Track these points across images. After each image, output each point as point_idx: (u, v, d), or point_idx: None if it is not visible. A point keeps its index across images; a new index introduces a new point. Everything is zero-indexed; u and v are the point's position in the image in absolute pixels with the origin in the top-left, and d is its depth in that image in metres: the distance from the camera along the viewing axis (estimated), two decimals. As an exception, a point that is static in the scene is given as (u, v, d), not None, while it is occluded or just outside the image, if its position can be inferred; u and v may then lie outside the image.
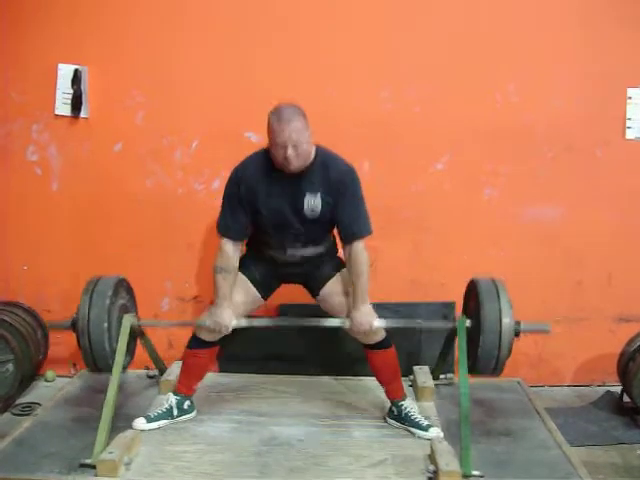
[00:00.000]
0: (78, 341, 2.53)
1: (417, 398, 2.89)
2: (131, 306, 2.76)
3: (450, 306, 3.30)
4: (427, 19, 3.23)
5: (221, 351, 2.76)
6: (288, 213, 2.48)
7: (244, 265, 2.61)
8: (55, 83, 3.27)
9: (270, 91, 3.23)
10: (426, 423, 2.60)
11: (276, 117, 2.34)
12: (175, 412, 2.67)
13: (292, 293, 2.85)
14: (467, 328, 2.56)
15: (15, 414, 3.01)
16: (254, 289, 2.65)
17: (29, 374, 3.23)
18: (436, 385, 2.96)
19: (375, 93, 3.26)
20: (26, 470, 2.28)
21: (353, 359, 3.05)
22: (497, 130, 3.26)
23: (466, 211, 3.32)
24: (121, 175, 3.33)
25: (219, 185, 3.32)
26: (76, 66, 3.25)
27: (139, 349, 2.89)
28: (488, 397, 2.97)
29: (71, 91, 3.25)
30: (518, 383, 3.13)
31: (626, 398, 3.05)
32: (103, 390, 2.53)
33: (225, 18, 3.23)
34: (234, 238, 2.52)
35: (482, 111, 3.26)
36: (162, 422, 2.63)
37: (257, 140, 3.27)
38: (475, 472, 2.24)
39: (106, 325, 2.49)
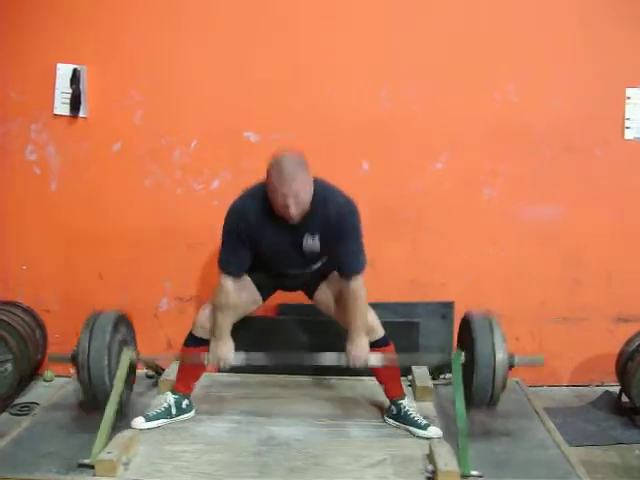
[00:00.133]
0: (77, 374, 2.53)
1: (416, 398, 2.89)
2: (130, 340, 2.77)
3: (449, 306, 3.30)
4: (426, 19, 3.24)
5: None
6: (288, 250, 2.49)
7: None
8: (54, 83, 3.27)
9: (269, 91, 3.24)
10: (425, 422, 2.60)
11: (277, 173, 2.27)
12: (173, 411, 2.67)
13: (291, 293, 2.85)
14: (462, 364, 2.57)
15: (13, 414, 3.01)
16: (256, 290, 2.67)
17: (28, 374, 3.23)
18: (435, 385, 2.96)
19: (374, 93, 3.26)
20: (24, 470, 2.27)
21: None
22: (496, 130, 3.26)
23: (465, 211, 3.32)
24: (120, 175, 3.33)
25: (218, 185, 3.32)
26: (75, 66, 3.25)
27: (140, 349, 2.88)
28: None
29: (70, 91, 3.26)
30: (517, 383, 3.13)
31: (624, 398, 3.05)
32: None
33: (224, 17, 3.23)
34: (234, 274, 2.52)
35: (481, 111, 3.26)
36: (161, 421, 2.63)
37: (256, 140, 3.28)
38: (474, 472, 2.24)
39: (106, 361, 2.49)
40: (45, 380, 3.40)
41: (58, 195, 3.36)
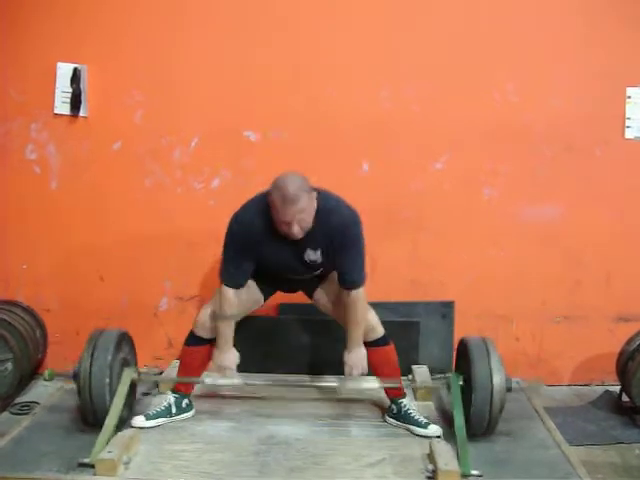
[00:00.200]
0: (79, 393, 2.54)
1: (416, 397, 2.89)
2: (131, 359, 2.78)
3: (449, 305, 3.30)
4: (426, 19, 3.23)
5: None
6: (290, 262, 2.50)
7: None
8: (54, 82, 3.26)
9: (270, 90, 3.24)
10: (425, 421, 2.60)
11: (280, 196, 2.27)
12: (173, 410, 2.67)
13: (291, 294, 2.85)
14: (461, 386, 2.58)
15: (14, 413, 3.00)
16: (257, 290, 2.68)
17: (28, 373, 3.23)
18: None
19: (374, 92, 3.25)
20: (24, 469, 2.28)
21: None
22: (496, 129, 3.26)
23: (465, 211, 3.32)
24: (120, 174, 3.33)
25: (218, 184, 3.32)
26: (75, 65, 3.25)
27: (138, 348, 2.88)
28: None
29: (70, 90, 3.25)
30: (517, 383, 3.13)
31: (625, 397, 3.05)
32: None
33: (224, 17, 3.23)
34: (236, 286, 2.53)
35: (481, 111, 3.26)
36: (161, 420, 2.63)
37: (256, 139, 3.28)
38: (474, 471, 2.24)
39: (108, 380, 2.51)
40: (45, 379, 3.40)
41: (58, 194, 3.36)
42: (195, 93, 3.27)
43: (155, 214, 3.34)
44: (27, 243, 3.39)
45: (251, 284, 2.63)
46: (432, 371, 3.08)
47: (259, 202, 2.43)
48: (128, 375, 2.61)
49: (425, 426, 2.57)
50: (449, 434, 2.50)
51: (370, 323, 2.61)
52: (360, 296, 2.51)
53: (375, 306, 2.66)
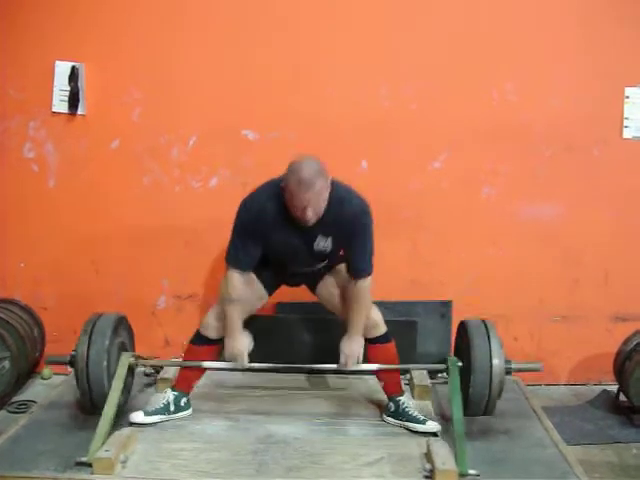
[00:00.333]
0: (76, 378, 2.53)
1: (414, 396, 2.88)
2: (129, 344, 2.78)
3: (448, 305, 3.30)
4: (425, 18, 3.23)
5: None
6: (299, 249, 2.49)
7: None
8: (52, 80, 3.26)
9: (268, 89, 3.24)
10: (423, 417, 2.60)
11: (296, 178, 2.27)
12: (172, 408, 2.67)
13: (290, 291, 2.84)
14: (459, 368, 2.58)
15: (11, 412, 3.00)
16: (261, 286, 2.67)
17: (25, 372, 3.23)
18: (433, 384, 2.96)
19: (374, 91, 3.25)
20: (22, 468, 2.27)
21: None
22: (495, 129, 3.26)
23: (464, 210, 3.32)
24: (118, 172, 3.32)
25: (216, 183, 3.32)
26: (73, 63, 3.24)
27: (136, 347, 2.88)
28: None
29: (68, 88, 3.25)
30: (514, 382, 3.13)
31: (622, 397, 3.05)
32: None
33: (223, 15, 3.23)
34: (242, 270, 2.52)
35: (480, 110, 3.26)
36: (159, 417, 2.63)
37: (254, 138, 3.27)
38: (471, 471, 2.24)
39: (105, 364, 2.50)
40: (43, 378, 3.39)
41: (56, 192, 3.35)
42: (193, 91, 3.27)
43: (153, 212, 3.34)
44: (25, 241, 3.39)
45: (254, 281, 2.63)
46: (430, 370, 3.08)
47: (270, 187, 2.44)
48: (126, 358, 2.60)
49: (423, 422, 2.58)
50: (447, 434, 2.50)
51: (373, 320, 2.61)
52: (367, 285, 2.51)
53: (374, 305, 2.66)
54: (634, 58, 3.25)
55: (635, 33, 3.22)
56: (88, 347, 2.51)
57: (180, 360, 2.81)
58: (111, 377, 2.53)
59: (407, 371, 3.02)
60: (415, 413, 2.62)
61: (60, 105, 3.28)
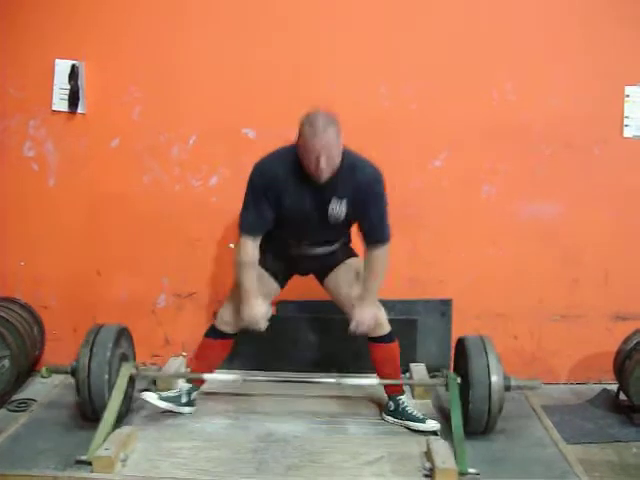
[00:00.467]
0: (77, 390, 2.53)
1: (414, 395, 2.89)
2: (130, 354, 2.78)
3: (448, 303, 3.30)
4: (425, 18, 3.23)
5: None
6: (311, 215, 2.47)
7: (261, 258, 2.58)
8: (52, 79, 3.26)
9: (268, 87, 3.23)
10: (422, 416, 2.61)
11: (310, 126, 2.26)
12: (183, 400, 2.68)
13: (291, 290, 2.84)
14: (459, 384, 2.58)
15: (11, 410, 3.00)
16: (272, 279, 2.66)
17: (25, 370, 3.23)
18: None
19: (373, 91, 3.25)
20: (22, 466, 2.28)
21: (353, 356, 3.05)
22: (495, 128, 3.26)
23: (464, 209, 3.32)
24: (118, 171, 3.32)
25: (216, 181, 3.31)
26: (73, 61, 3.24)
27: (135, 345, 2.88)
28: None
29: (68, 87, 3.24)
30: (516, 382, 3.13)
31: (622, 396, 3.05)
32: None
33: (223, 14, 3.22)
34: (255, 235, 2.49)
35: (480, 109, 3.25)
36: (168, 405, 2.65)
37: (254, 136, 3.27)
38: (471, 470, 2.24)
39: (107, 377, 2.50)
40: (42, 376, 3.39)
41: (56, 191, 3.35)
42: (194, 90, 3.26)
43: (153, 211, 3.34)
44: (25, 240, 3.38)
45: (264, 275, 2.62)
46: (430, 369, 3.08)
47: (282, 151, 2.44)
48: (127, 369, 2.61)
49: (423, 421, 2.58)
50: (447, 432, 2.51)
51: (379, 320, 2.60)
52: (384, 253, 2.51)
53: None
54: (634, 57, 3.24)
55: (635, 32, 3.22)
56: (90, 359, 2.51)
57: (183, 372, 2.81)
58: (112, 389, 2.53)
59: (407, 370, 3.02)
60: (415, 412, 2.63)
61: (60, 104, 3.28)
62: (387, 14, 3.22)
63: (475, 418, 2.49)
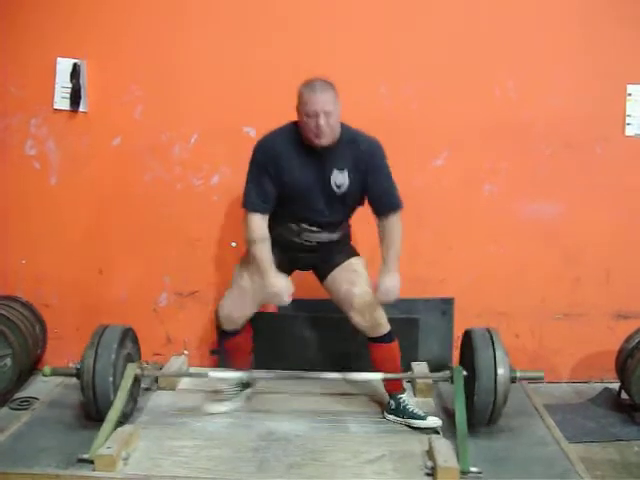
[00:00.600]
0: (82, 391, 2.53)
1: (415, 394, 2.89)
2: (135, 354, 2.77)
3: (449, 302, 3.30)
4: (426, 17, 3.22)
5: (221, 347, 2.77)
6: (314, 188, 2.47)
7: None
8: (54, 77, 3.26)
9: (269, 86, 3.23)
10: (423, 413, 2.61)
11: (308, 87, 2.37)
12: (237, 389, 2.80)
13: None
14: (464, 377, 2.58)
15: (13, 409, 3.01)
16: None
17: (27, 369, 3.23)
18: (434, 381, 2.96)
19: (373, 91, 3.24)
20: (24, 464, 2.28)
21: (353, 355, 3.05)
22: (496, 127, 3.26)
23: (465, 208, 3.32)
24: (119, 170, 3.32)
25: (218, 180, 3.31)
26: (75, 60, 3.24)
27: (140, 345, 2.88)
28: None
29: (70, 85, 3.24)
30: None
31: (624, 395, 3.05)
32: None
33: (224, 13, 3.22)
34: (261, 212, 2.49)
35: (481, 108, 3.25)
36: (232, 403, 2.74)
37: (256, 135, 3.26)
38: (473, 468, 2.24)
39: (111, 379, 2.50)
40: (44, 375, 3.39)
41: (58, 190, 3.35)
42: (195, 89, 3.26)
43: (154, 210, 3.34)
44: (26, 238, 3.39)
45: None
46: (431, 368, 3.07)
47: (284, 127, 2.51)
48: (132, 369, 2.61)
49: (424, 418, 2.58)
50: (449, 431, 2.50)
51: (377, 320, 2.60)
52: (398, 219, 2.54)
53: (374, 303, 2.66)
54: (635, 55, 3.24)
55: (637, 31, 3.21)
56: (94, 360, 2.50)
57: (186, 371, 2.82)
58: (117, 390, 2.52)
59: (409, 369, 3.02)
60: (415, 410, 2.63)
61: (62, 102, 3.28)
62: (387, 14, 3.21)
63: (480, 410, 2.49)
